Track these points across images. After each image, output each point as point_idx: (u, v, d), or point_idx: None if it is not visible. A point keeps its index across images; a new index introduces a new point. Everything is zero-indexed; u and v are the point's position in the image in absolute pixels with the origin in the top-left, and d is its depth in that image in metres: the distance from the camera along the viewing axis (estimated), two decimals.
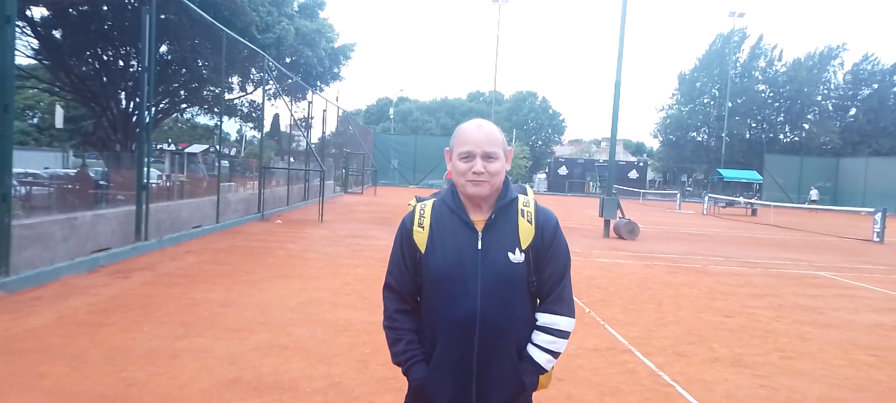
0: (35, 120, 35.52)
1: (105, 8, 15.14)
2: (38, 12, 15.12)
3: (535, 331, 1.90)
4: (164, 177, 19.05)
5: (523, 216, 1.89)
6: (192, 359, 4.40)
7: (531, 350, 1.88)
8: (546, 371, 1.89)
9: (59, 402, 3.59)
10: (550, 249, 1.89)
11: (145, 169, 9.21)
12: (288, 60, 21.17)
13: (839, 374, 4.90)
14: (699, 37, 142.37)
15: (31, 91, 26.37)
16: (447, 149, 1.95)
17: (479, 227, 1.86)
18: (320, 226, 14.24)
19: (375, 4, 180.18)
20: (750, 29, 64.07)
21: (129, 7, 14.65)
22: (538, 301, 1.94)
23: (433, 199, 1.98)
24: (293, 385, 4.04)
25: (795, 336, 6.05)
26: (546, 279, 1.89)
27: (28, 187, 14.18)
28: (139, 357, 4.40)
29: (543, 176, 57.65)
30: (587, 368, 4.73)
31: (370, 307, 6.15)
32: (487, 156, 1.83)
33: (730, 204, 31.59)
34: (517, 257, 1.83)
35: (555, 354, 1.89)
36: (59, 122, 22.19)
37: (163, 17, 14.06)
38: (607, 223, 15.41)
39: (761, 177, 40.90)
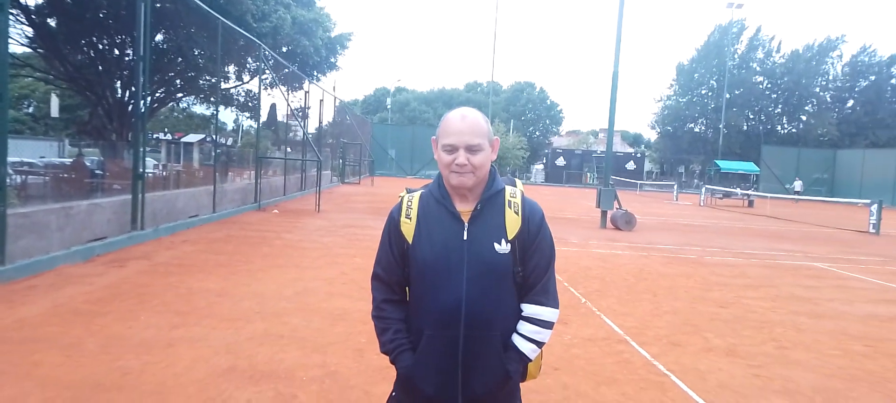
0: (30, 109, 35.38)
1: None
2: (32, 0, 15.02)
3: (521, 321, 1.91)
4: (160, 166, 19.00)
5: (510, 207, 1.90)
6: (188, 348, 4.40)
7: (516, 339, 1.89)
8: (530, 360, 1.91)
9: (53, 391, 3.59)
10: (536, 241, 1.90)
11: (141, 158, 9.18)
12: (284, 50, 21.06)
13: (833, 364, 4.93)
14: (698, 27, 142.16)
15: (26, 79, 26.26)
16: (434, 138, 1.95)
17: (465, 218, 1.87)
18: (317, 216, 14.22)
19: None
20: (748, 20, 64.15)
21: None
22: (523, 291, 1.94)
23: (421, 191, 1.99)
24: (289, 374, 4.04)
25: (790, 327, 6.08)
26: (531, 270, 1.90)
27: (24, 176, 14.10)
28: (135, 346, 4.40)
29: (541, 166, 57.69)
30: (583, 358, 4.74)
31: (366, 296, 6.14)
32: (470, 148, 1.84)
33: (727, 195, 31.67)
34: (503, 248, 1.84)
35: (539, 344, 1.90)
36: (54, 111, 22.13)
37: (158, 5, 13.97)
38: (604, 214, 15.43)
39: (758, 169, 41.05)
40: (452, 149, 1.84)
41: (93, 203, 8.30)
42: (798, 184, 39.11)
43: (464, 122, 1.85)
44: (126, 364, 4.05)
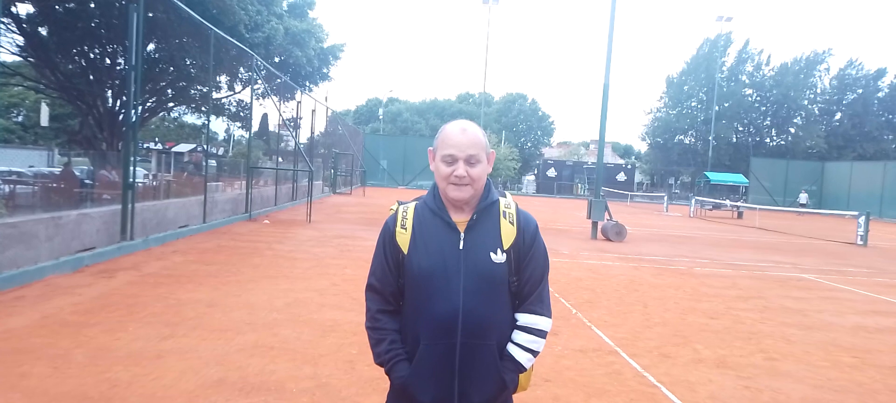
0: (20, 118, 35.10)
1: (92, 5, 15.01)
2: (23, 8, 14.97)
3: (516, 331, 1.93)
4: (150, 176, 18.89)
5: (505, 217, 1.92)
6: (178, 360, 4.37)
7: (512, 348, 1.91)
8: (526, 369, 1.93)
9: None
10: (531, 251, 1.93)
11: (131, 168, 9.13)
12: (277, 60, 21.10)
13: (822, 376, 4.96)
14: (687, 40, 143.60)
15: (15, 88, 26.07)
16: (431, 148, 1.97)
17: (461, 228, 1.89)
18: (308, 227, 14.18)
19: (365, 5, 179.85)
20: (737, 33, 65.02)
21: (117, 4, 14.53)
22: (517, 301, 1.96)
23: (415, 202, 2.00)
24: (279, 385, 4.02)
25: (779, 338, 6.11)
26: (526, 280, 1.92)
27: (12, 186, 13.98)
28: (123, 357, 4.36)
29: (532, 178, 57.82)
30: (574, 369, 4.75)
31: (357, 307, 6.14)
32: (470, 161, 1.85)
33: (716, 206, 31.86)
34: (499, 257, 1.86)
35: (534, 353, 1.93)
36: (44, 120, 21.98)
37: (150, 14, 13.94)
38: (595, 225, 15.48)
39: (747, 181, 41.38)
40: (452, 161, 1.86)
41: (82, 213, 8.24)
42: (803, 197, 39.23)
43: (464, 136, 1.87)
44: (115, 375, 4.01)
